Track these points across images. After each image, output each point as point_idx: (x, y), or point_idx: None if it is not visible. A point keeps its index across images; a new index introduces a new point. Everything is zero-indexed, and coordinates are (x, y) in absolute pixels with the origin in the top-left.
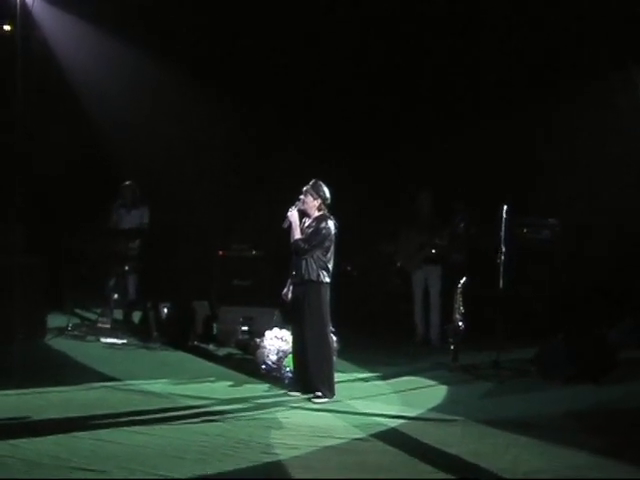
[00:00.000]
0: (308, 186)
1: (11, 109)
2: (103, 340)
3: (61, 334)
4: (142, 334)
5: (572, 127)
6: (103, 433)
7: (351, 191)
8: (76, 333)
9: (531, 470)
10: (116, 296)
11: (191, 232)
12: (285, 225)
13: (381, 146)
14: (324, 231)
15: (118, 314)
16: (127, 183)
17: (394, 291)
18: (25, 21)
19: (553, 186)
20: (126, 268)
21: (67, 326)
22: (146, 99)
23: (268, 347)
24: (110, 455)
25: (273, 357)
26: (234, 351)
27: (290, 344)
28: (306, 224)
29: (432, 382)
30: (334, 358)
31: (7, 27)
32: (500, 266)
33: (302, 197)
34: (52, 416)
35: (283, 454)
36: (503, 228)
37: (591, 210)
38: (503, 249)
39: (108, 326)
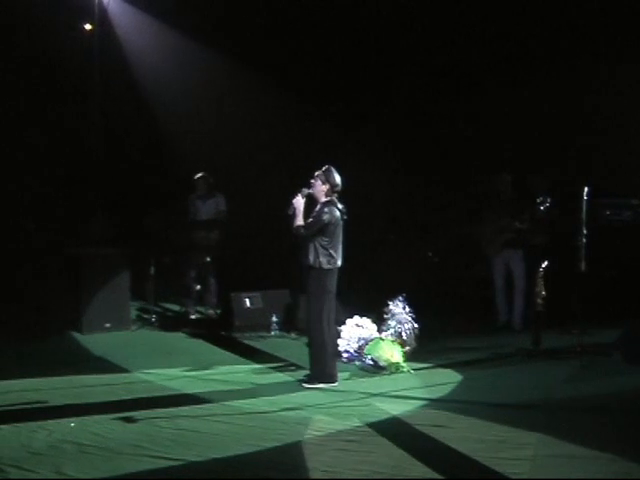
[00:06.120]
0: (320, 171)
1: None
2: (185, 330)
3: (145, 325)
4: (224, 324)
5: None
6: (184, 422)
7: (430, 176)
8: (159, 324)
9: (610, 455)
10: (198, 287)
11: (271, 222)
12: (290, 212)
13: (457, 130)
14: (324, 216)
15: (200, 305)
16: (199, 175)
17: (475, 276)
18: (103, 20)
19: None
20: (207, 259)
21: (151, 317)
22: (219, 95)
23: (349, 335)
24: (189, 443)
25: (354, 345)
26: None
27: (371, 331)
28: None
29: (513, 367)
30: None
31: (88, 26)
32: (581, 249)
33: (312, 181)
34: (135, 406)
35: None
36: (584, 210)
37: None
38: (584, 231)
39: (191, 317)
